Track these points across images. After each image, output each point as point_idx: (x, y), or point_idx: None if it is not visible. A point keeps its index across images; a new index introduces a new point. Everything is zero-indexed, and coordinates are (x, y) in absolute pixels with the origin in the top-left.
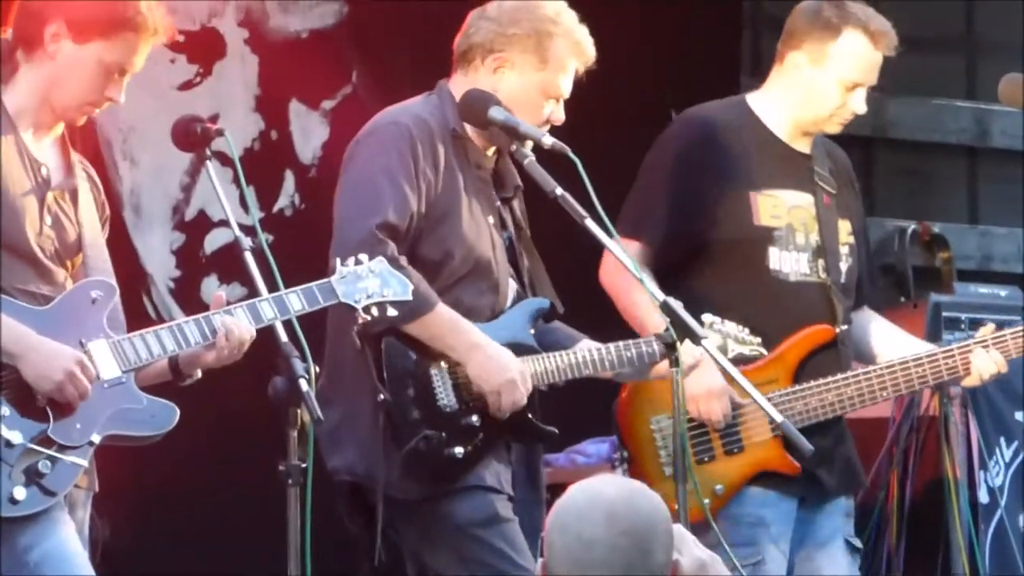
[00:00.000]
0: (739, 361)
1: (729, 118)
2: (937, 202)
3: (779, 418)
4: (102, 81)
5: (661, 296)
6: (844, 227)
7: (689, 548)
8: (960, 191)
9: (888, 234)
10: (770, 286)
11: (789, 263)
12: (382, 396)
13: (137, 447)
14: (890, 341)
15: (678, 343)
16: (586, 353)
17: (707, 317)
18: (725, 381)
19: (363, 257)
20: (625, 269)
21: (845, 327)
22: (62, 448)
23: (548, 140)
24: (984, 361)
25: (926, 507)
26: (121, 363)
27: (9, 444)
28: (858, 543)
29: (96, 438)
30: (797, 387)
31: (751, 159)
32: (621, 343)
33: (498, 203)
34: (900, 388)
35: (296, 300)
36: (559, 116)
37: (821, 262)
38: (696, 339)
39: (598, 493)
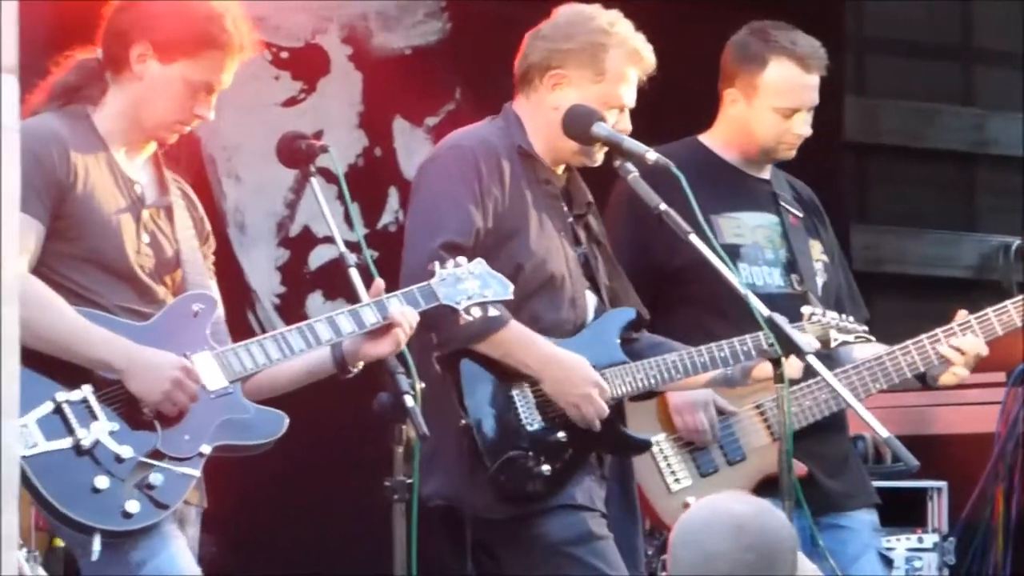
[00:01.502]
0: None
1: (681, 154)
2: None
3: (884, 433)
4: (189, 100)
5: (767, 312)
6: (815, 246)
7: (806, 569)
8: None
9: (992, 250)
10: (744, 299)
11: (762, 277)
12: (464, 421)
13: (246, 463)
14: (868, 348)
15: (783, 359)
16: (676, 357)
17: (806, 310)
18: (708, 391)
19: (462, 260)
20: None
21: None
22: (173, 460)
23: (652, 156)
24: (957, 344)
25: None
26: (227, 373)
27: (119, 459)
28: (890, 557)
29: (206, 449)
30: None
31: (708, 187)
32: (713, 343)
33: (570, 219)
34: (892, 376)
35: (396, 304)
36: (625, 126)
37: (795, 275)
38: (801, 354)
39: (726, 508)
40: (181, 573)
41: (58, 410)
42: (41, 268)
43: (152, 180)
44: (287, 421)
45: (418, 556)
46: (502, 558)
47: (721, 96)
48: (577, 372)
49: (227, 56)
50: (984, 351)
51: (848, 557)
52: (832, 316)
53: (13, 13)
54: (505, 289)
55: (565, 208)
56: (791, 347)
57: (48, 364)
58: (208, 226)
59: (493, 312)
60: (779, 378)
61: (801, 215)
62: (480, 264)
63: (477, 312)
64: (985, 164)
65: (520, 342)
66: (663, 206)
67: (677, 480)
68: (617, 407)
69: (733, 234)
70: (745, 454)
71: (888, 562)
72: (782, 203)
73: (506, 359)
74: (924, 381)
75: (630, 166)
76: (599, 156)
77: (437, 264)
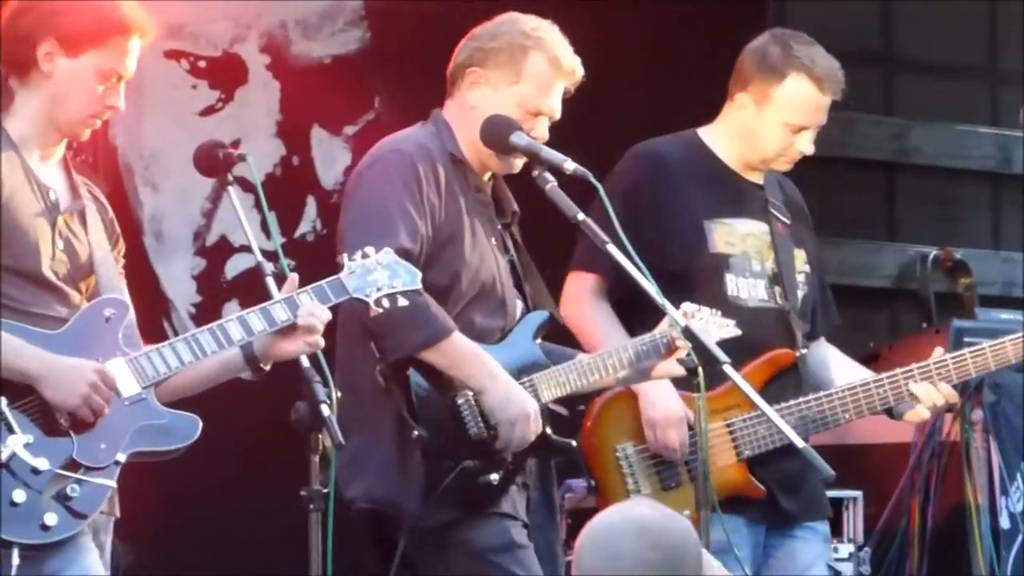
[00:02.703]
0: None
1: (680, 151)
2: (960, 228)
3: (800, 443)
4: (101, 90)
5: (683, 321)
6: (799, 256)
7: (714, 571)
8: (983, 217)
9: (911, 260)
10: (729, 312)
11: (746, 289)
12: (416, 432)
13: (160, 471)
14: (847, 371)
15: (699, 368)
16: (588, 359)
17: (686, 306)
18: (684, 407)
19: (370, 250)
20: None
21: (804, 351)
22: (89, 470)
23: (570, 165)
24: (926, 389)
25: (948, 533)
26: (140, 379)
27: (36, 471)
28: (839, 569)
29: (122, 457)
30: (760, 412)
31: (703, 189)
32: (618, 345)
33: (499, 227)
34: (862, 410)
35: (307, 299)
36: (541, 134)
37: (778, 288)
38: (718, 362)
39: (630, 510)
40: None
41: None
42: None
43: (65, 185)
44: (200, 425)
45: (335, 560)
46: (422, 563)
47: (731, 97)
48: (519, 392)
49: (130, 40)
50: (954, 400)
51: (798, 566)
52: (706, 311)
53: None
54: (414, 278)
55: (495, 215)
56: (708, 356)
57: None
58: (118, 229)
59: (402, 302)
60: (696, 387)
61: (789, 221)
62: (388, 254)
63: (387, 303)
64: (907, 173)
65: (467, 354)
66: (580, 216)
67: (638, 490)
68: (547, 412)
69: (725, 243)
70: (709, 472)
71: (836, 574)
72: (772, 210)
73: (450, 370)
74: (890, 414)
75: (548, 175)
76: (518, 164)
77: (345, 256)
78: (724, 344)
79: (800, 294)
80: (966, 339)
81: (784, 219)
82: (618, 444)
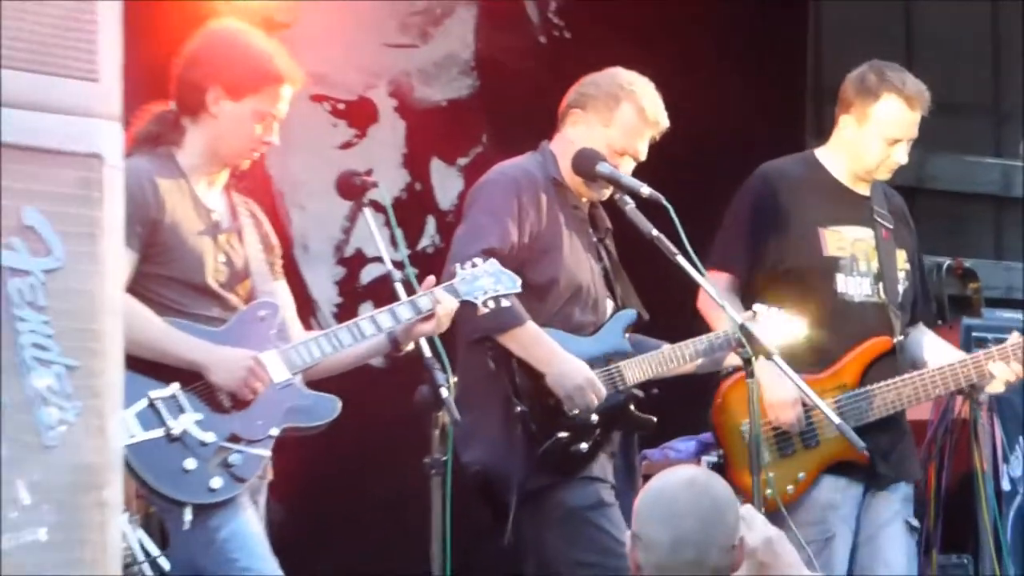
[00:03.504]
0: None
1: (798, 168)
2: (969, 242)
3: (836, 420)
4: (259, 129)
5: (740, 319)
6: (901, 256)
7: (759, 526)
8: (988, 233)
9: (928, 268)
10: (838, 306)
11: (854, 287)
12: (519, 408)
13: (307, 444)
14: (938, 351)
15: (753, 359)
16: (669, 349)
17: (757, 307)
18: (794, 393)
19: (478, 260)
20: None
21: (902, 338)
22: (248, 443)
23: (646, 191)
24: (1001, 367)
25: (959, 494)
26: (289, 367)
27: (204, 443)
28: (916, 523)
29: (275, 431)
30: (863, 389)
31: (818, 200)
32: (695, 338)
33: (595, 240)
34: (949, 385)
35: (427, 301)
36: (627, 171)
37: (881, 285)
38: (769, 355)
39: (681, 470)
40: (251, 536)
41: (152, 405)
42: (135, 287)
43: (226, 208)
44: (340, 404)
45: (453, 517)
46: (526, 519)
47: (836, 120)
48: (573, 369)
49: (282, 87)
50: (1021, 374)
51: (879, 523)
52: (774, 311)
53: (118, 71)
54: (514, 283)
55: (591, 230)
56: (760, 349)
57: (142, 365)
58: (275, 238)
59: (505, 303)
60: (750, 375)
61: (892, 227)
62: (493, 263)
63: (492, 304)
64: (925, 196)
65: (533, 340)
66: (655, 232)
67: (761, 457)
68: (629, 392)
69: (836, 247)
70: (819, 441)
71: (913, 529)
72: (877, 218)
73: (521, 353)
74: (973, 389)
75: (627, 198)
76: (606, 192)
77: (458, 266)
78: (834, 332)
79: (900, 289)
80: (974, 334)
81: (888, 225)
82: (742, 421)
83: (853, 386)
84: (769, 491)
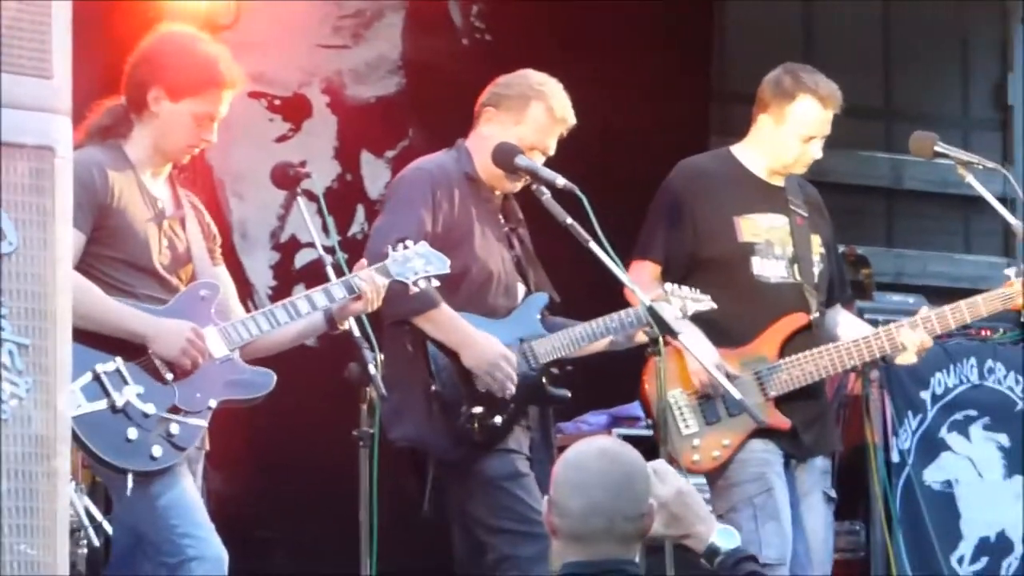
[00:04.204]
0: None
1: (715, 163)
2: (862, 231)
3: (737, 395)
4: (197, 128)
5: (648, 300)
6: (815, 241)
7: (670, 479)
8: (880, 222)
9: None
10: (756, 287)
11: (770, 269)
12: (434, 387)
13: (243, 415)
14: (853, 328)
15: (660, 337)
16: (580, 328)
17: (668, 286)
18: (719, 357)
19: (409, 242)
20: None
21: (817, 315)
22: (187, 414)
23: (561, 182)
24: (910, 336)
25: (852, 464)
26: (228, 343)
27: (145, 415)
28: (833, 494)
29: (213, 403)
30: (781, 361)
31: (734, 191)
32: (605, 317)
33: (506, 230)
34: (864, 356)
35: (359, 281)
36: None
37: (796, 267)
38: (674, 334)
39: (595, 441)
40: (189, 503)
41: (96, 378)
42: (83, 266)
43: (169, 196)
44: (274, 378)
45: (379, 486)
46: (449, 489)
47: (754, 118)
48: (487, 347)
49: (223, 91)
50: (929, 344)
51: (798, 494)
52: (685, 290)
53: (68, 69)
54: (444, 264)
55: (502, 221)
56: (666, 328)
57: (87, 338)
58: (214, 228)
59: (435, 283)
60: (657, 352)
61: (806, 215)
62: (424, 245)
63: (423, 284)
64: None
65: (448, 322)
66: (568, 220)
67: (687, 426)
68: (542, 369)
69: (751, 234)
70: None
71: (830, 499)
72: (792, 206)
73: (436, 334)
74: (885, 360)
75: (543, 189)
76: (519, 184)
77: (390, 247)
78: (752, 310)
79: (816, 271)
80: (866, 316)
81: (802, 212)
82: (669, 392)
83: (772, 359)
84: (696, 457)
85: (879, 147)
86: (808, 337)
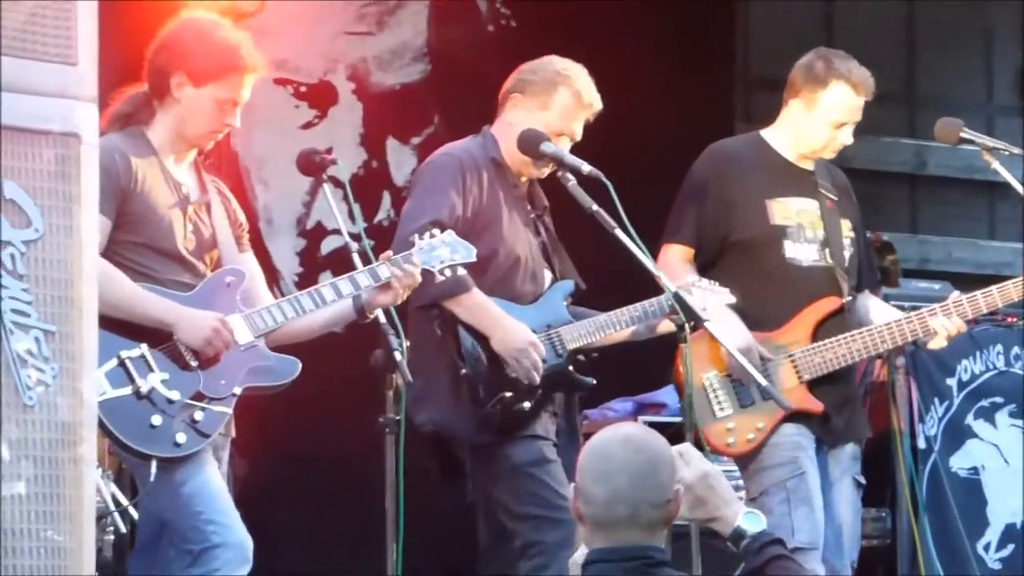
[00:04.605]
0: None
1: (745, 147)
2: (887, 217)
3: (763, 382)
4: (220, 113)
5: (673, 288)
6: (845, 225)
7: (695, 462)
8: (904, 209)
9: None
10: (788, 271)
11: (802, 252)
12: (464, 370)
13: (269, 402)
14: (883, 312)
15: (686, 324)
16: (605, 317)
17: (690, 278)
18: (753, 340)
19: (436, 231)
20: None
21: (849, 298)
22: (211, 400)
23: (586, 168)
24: (943, 321)
25: (878, 451)
26: (252, 330)
27: (170, 401)
28: (862, 480)
29: (237, 390)
30: (815, 344)
31: (764, 175)
32: (630, 306)
33: (532, 216)
34: (896, 340)
35: (385, 270)
36: (565, 150)
37: (827, 251)
38: (700, 321)
39: (620, 428)
40: (213, 491)
41: (121, 364)
42: (109, 253)
43: (194, 182)
44: (299, 365)
45: (405, 471)
46: (475, 474)
47: (785, 102)
48: (517, 333)
49: (244, 76)
50: (963, 328)
51: (829, 480)
52: (705, 282)
53: (94, 56)
54: (470, 253)
55: (528, 207)
56: (693, 316)
57: (113, 325)
58: (241, 213)
59: (461, 272)
60: (683, 339)
61: (836, 199)
62: (450, 234)
63: (449, 273)
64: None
65: (478, 306)
66: (594, 207)
67: (722, 408)
68: (569, 356)
69: (782, 217)
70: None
71: (860, 485)
72: (821, 190)
73: (466, 318)
74: (916, 344)
75: (569, 175)
76: (546, 170)
77: (416, 236)
78: (784, 294)
79: (847, 254)
80: (892, 303)
81: (832, 196)
82: (704, 374)
83: (806, 342)
84: (731, 440)
85: (902, 133)
86: (840, 321)
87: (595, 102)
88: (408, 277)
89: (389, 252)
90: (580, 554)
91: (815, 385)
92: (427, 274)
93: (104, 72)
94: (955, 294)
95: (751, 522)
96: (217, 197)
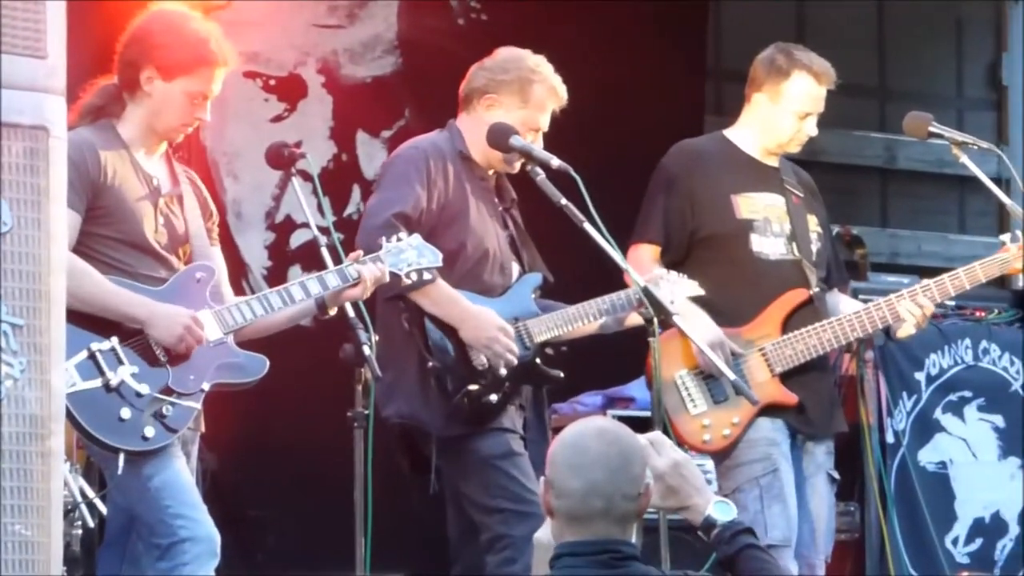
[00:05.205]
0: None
1: (709, 145)
2: (856, 211)
3: (732, 376)
4: (190, 107)
5: (642, 281)
6: (812, 220)
7: (667, 451)
8: (874, 202)
9: None
10: (755, 264)
11: (769, 246)
12: (431, 363)
13: (237, 398)
14: (852, 308)
15: (655, 318)
16: (573, 309)
17: (657, 271)
18: (722, 335)
19: (403, 234)
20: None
21: (817, 290)
22: (180, 395)
23: (555, 162)
24: (910, 306)
25: (847, 445)
26: (222, 327)
27: (139, 394)
28: (836, 475)
29: (206, 386)
30: (785, 336)
31: (730, 171)
32: (598, 299)
33: (500, 209)
34: (866, 327)
35: (353, 271)
36: (538, 145)
37: (795, 244)
38: (668, 315)
39: (592, 421)
40: (182, 484)
41: (91, 356)
42: (81, 247)
43: (166, 174)
44: (267, 363)
45: (374, 465)
46: (443, 467)
47: (748, 99)
48: (486, 320)
49: (215, 69)
50: (931, 311)
51: (803, 475)
52: (673, 275)
53: (63, 49)
54: (436, 258)
55: (496, 200)
56: (661, 309)
57: (84, 319)
58: (212, 205)
59: (427, 276)
60: (652, 333)
61: (802, 195)
62: (416, 238)
63: (415, 276)
64: (813, 170)
65: (446, 297)
66: (563, 200)
67: (695, 405)
68: (536, 349)
69: (748, 211)
70: (750, 386)
71: (833, 481)
72: (787, 186)
73: (433, 309)
74: (888, 333)
75: (538, 169)
76: (517, 165)
77: (383, 239)
78: (753, 287)
79: (814, 248)
80: (861, 296)
81: (798, 193)
82: (676, 372)
83: (776, 335)
84: (707, 437)
85: (872, 127)
86: (809, 313)
87: (565, 94)
88: (375, 276)
89: (359, 252)
90: (543, 532)
91: (789, 377)
92: (393, 276)
93: (74, 64)
94: (925, 281)
95: (722, 511)
96: (189, 188)
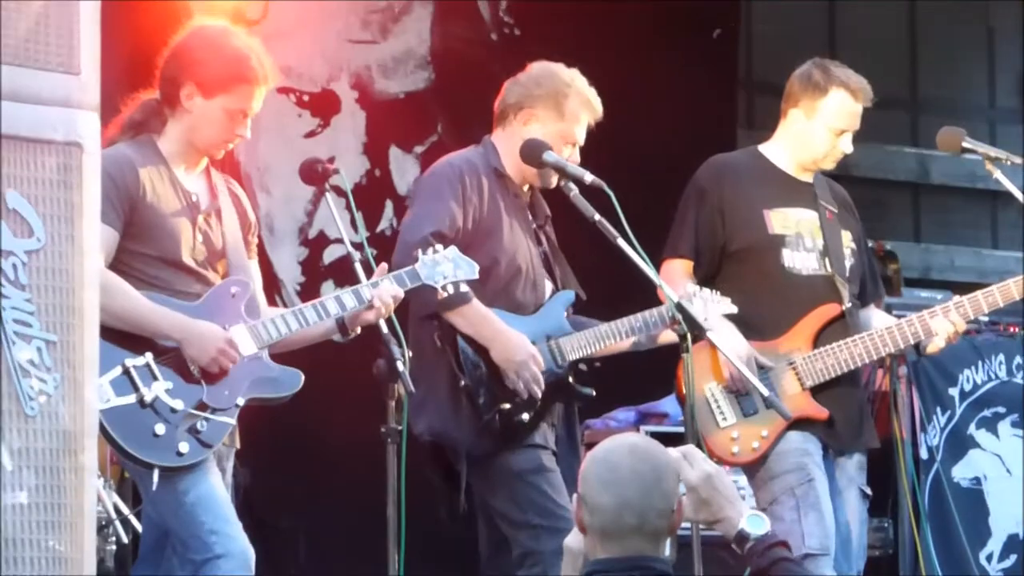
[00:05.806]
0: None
1: (743, 159)
2: (889, 225)
3: (766, 392)
4: (230, 124)
5: (676, 297)
6: (846, 236)
7: (699, 463)
8: (907, 217)
9: None
10: (787, 279)
11: (800, 261)
12: (463, 382)
13: (272, 413)
14: (884, 322)
15: (688, 334)
16: (606, 327)
17: (690, 287)
18: (752, 350)
19: (439, 247)
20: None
21: (849, 305)
22: (214, 411)
23: (589, 177)
24: (942, 323)
25: (880, 461)
26: (256, 342)
27: (173, 410)
28: (868, 491)
29: (241, 401)
30: (816, 350)
31: (762, 186)
32: (630, 316)
33: (534, 225)
34: (898, 342)
35: (387, 283)
36: (575, 158)
37: (827, 260)
38: (702, 331)
39: (624, 438)
40: (217, 499)
41: (126, 372)
42: (117, 264)
43: (205, 189)
44: (302, 378)
45: (406, 481)
46: (475, 483)
47: (784, 114)
48: (517, 345)
49: (255, 87)
50: (963, 328)
51: (835, 490)
52: (707, 292)
53: (96, 65)
54: (472, 270)
55: (530, 217)
56: (694, 325)
57: (119, 336)
58: (252, 215)
59: (464, 288)
60: (685, 349)
61: (836, 211)
62: (453, 250)
63: (451, 289)
64: (845, 183)
65: (479, 317)
66: (597, 216)
67: (724, 418)
68: (569, 366)
69: (781, 226)
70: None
71: (866, 496)
72: (821, 201)
73: (468, 330)
74: (917, 348)
75: (572, 185)
76: (552, 180)
77: (419, 251)
78: (784, 302)
79: (848, 264)
80: (894, 312)
81: (832, 208)
82: (705, 385)
83: (808, 349)
84: (735, 449)
85: (905, 141)
86: (841, 328)
87: (599, 106)
88: (387, 301)
89: (384, 265)
90: (574, 538)
91: (820, 391)
92: (430, 289)
93: (108, 80)
94: (955, 297)
95: (755, 524)
96: (229, 200)
